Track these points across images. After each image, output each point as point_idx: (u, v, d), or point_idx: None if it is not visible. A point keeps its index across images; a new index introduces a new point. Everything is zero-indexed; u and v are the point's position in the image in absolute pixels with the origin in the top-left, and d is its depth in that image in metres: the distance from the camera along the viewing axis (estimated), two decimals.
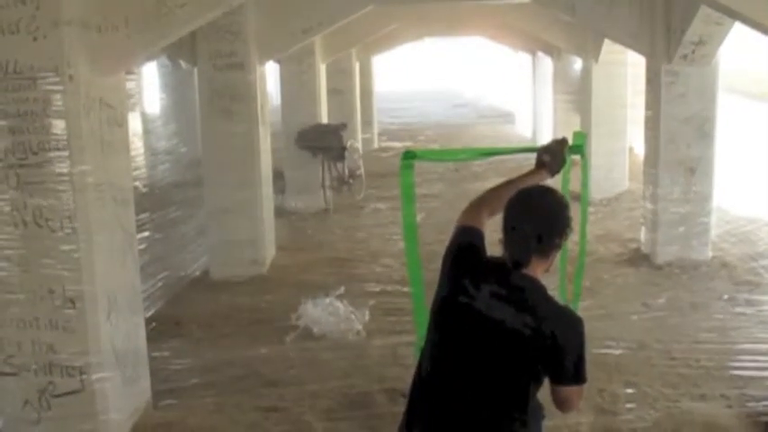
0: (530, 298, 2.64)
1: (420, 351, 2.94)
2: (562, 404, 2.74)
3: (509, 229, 2.71)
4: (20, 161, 4.11)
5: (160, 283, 7.75)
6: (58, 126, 4.09)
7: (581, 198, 3.92)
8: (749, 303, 6.86)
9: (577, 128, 11.80)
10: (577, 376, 2.67)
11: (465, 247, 2.84)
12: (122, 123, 4.60)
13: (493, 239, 2.85)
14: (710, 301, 6.95)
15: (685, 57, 7.38)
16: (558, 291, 3.87)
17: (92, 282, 4.26)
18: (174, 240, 8.93)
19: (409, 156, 3.35)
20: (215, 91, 7.70)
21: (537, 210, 2.70)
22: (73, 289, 4.21)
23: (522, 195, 2.78)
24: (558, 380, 2.66)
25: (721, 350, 5.86)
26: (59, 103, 4.06)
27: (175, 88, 15.29)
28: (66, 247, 4.18)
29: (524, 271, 2.68)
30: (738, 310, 6.75)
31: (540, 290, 2.69)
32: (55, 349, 4.26)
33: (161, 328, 6.67)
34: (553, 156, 3.17)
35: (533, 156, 3.32)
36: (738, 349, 5.86)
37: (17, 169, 4.11)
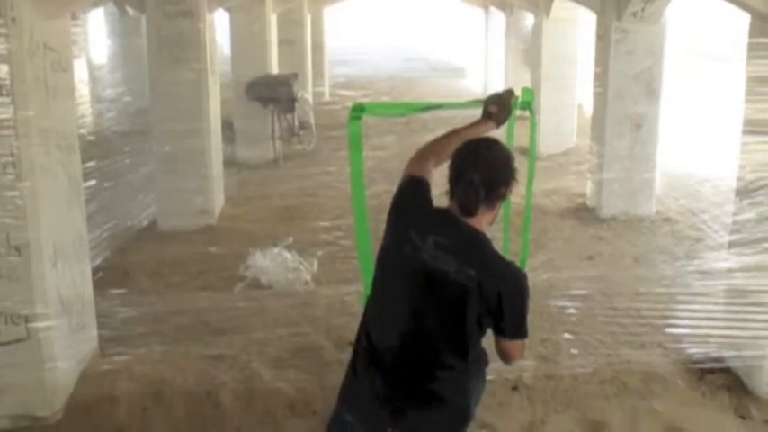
0: (475, 251, 2.68)
1: (366, 299, 2.98)
2: (504, 355, 2.81)
3: (456, 178, 2.74)
4: None
5: (107, 233, 7.67)
6: (1, 70, 3.99)
7: (528, 153, 3.98)
8: (690, 257, 7.02)
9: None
10: (518, 331, 2.74)
11: (411, 198, 2.86)
12: (67, 68, 4.52)
13: (438, 192, 2.90)
14: (653, 255, 7.12)
15: (635, 14, 7.45)
16: (501, 243, 3.95)
17: (36, 229, 4.20)
18: (122, 190, 8.82)
19: (357, 109, 3.35)
20: (163, 39, 7.57)
21: (484, 160, 2.73)
22: (17, 236, 4.15)
23: (469, 146, 2.81)
24: (499, 333, 2.73)
25: (661, 302, 5.99)
26: (2, 46, 3.96)
27: (123, 35, 15.02)
28: (9, 194, 4.11)
29: (471, 222, 2.72)
30: (679, 263, 6.92)
31: (486, 243, 2.73)
32: (0, 297, 4.22)
33: (108, 278, 6.63)
34: (500, 106, 3.20)
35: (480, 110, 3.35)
36: (678, 300, 6.02)
37: None
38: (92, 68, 13.54)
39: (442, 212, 2.79)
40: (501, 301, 2.65)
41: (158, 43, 7.59)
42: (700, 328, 5.47)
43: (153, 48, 7.65)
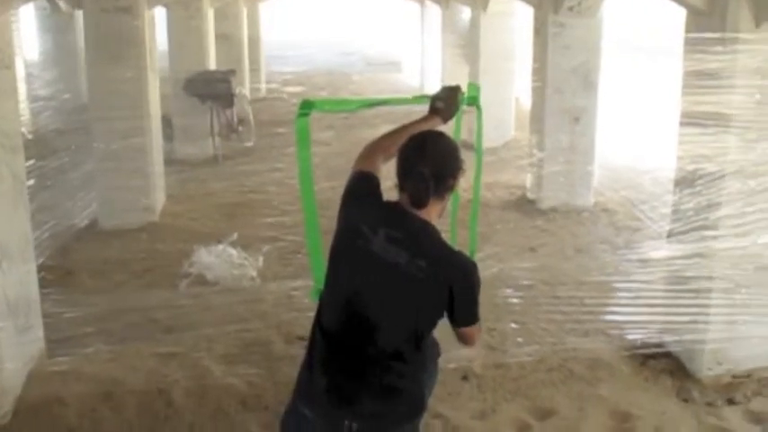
0: (424, 242, 2.75)
1: (317, 294, 3.02)
2: (461, 340, 2.93)
3: (405, 172, 2.80)
4: None
5: (48, 233, 7.52)
6: None
7: (475, 147, 4.05)
8: (629, 246, 7.20)
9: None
10: (471, 318, 2.86)
11: (361, 193, 2.91)
12: (9, 66, 4.45)
13: (387, 186, 2.95)
14: (593, 245, 7.28)
15: (571, 8, 7.61)
16: (450, 236, 4.02)
17: None
18: (62, 189, 8.66)
19: (306, 105, 3.37)
20: (101, 36, 7.45)
21: (432, 152, 2.80)
22: None
23: (416, 139, 2.88)
24: (453, 321, 2.83)
25: (603, 290, 6.14)
26: None
27: (55, 32, 14.67)
28: None
29: (421, 214, 2.79)
30: (619, 252, 7.09)
31: (435, 234, 2.80)
32: None
33: (51, 278, 6.49)
34: (446, 103, 3.26)
35: (427, 106, 3.40)
36: (619, 288, 6.18)
37: None
38: (26, 66, 13.18)
39: (392, 206, 2.85)
40: (452, 290, 2.73)
41: (96, 40, 7.48)
42: (641, 315, 5.63)
43: (90, 44, 7.54)
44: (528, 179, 8.68)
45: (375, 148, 3.11)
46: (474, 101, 3.97)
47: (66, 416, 4.39)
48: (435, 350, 3.22)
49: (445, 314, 2.83)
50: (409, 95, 3.85)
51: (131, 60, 7.54)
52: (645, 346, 5.14)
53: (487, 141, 10.73)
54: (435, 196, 2.79)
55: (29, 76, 13.28)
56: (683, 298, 5.01)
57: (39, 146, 9.94)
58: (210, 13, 11.14)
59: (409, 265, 2.69)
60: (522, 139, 10.59)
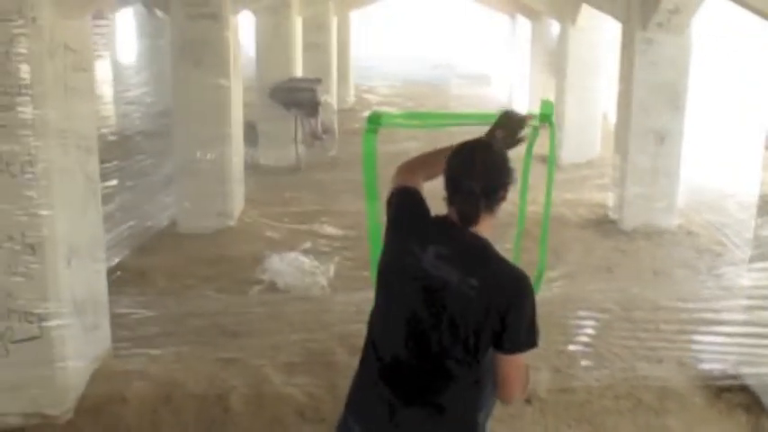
0: (476, 259, 2.62)
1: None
2: (505, 382, 2.64)
3: (453, 187, 2.67)
4: None
5: (127, 233, 7.71)
6: (21, 70, 4.00)
7: (547, 164, 3.93)
8: (711, 272, 6.94)
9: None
10: (526, 340, 2.59)
11: (408, 208, 2.80)
12: (88, 69, 4.53)
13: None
14: (673, 269, 7.03)
15: (660, 24, 7.38)
16: (511, 254, 3.90)
17: (51, 228, 4.21)
18: (143, 190, 8.86)
19: (374, 120, 3.30)
20: (187, 41, 7.58)
21: (481, 165, 2.65)
22: (32, 235, 4.16)
23: (463, 152, 2.71)
24: (503, 347, 2.58)
25: (680, 316, 5.93)
26: (22, 46, 3.98)
27: (150, 36, 15.09)
28: (26, 193, 4.12)
29: (473, 229, 2.67)
30: (700, 278, 6.83)
31: (487, 250, 2.66)
32: (13, 295, 4.23)
33: (126, 278, 6.66)
34: (508, 132, 3.06)
35: None
36: (697, 317, 5.93)
37: None
38: (117, 68, 13.59)
39: (441, 221, 2.73)
40: (506, 309, 2.55)
41: (181, 45, 7.61)
42: (718, 345, 5.40)
43: (176, 50, 7.67)
44: (610, 198, 8.45)
45: (416, 165, 3.00)
46: (547, 118, 3.86)
47: (126, 415, 4.43)
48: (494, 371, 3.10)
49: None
50: (490, 111, 3.73)
51: (215, 67, 7.64)
52: (720, 377, 4.90)
53: (571, 158, 10.77)
54: (486, 211, 2.67)
55: (121, 78, 13.69)
56: (764, 329, 4.77)
57: (123, 147, 10.22)
58: (299, 22, 11.24)
59: (461, 285, 2.57)
60: (608, 157, 10.33)
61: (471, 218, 2.64)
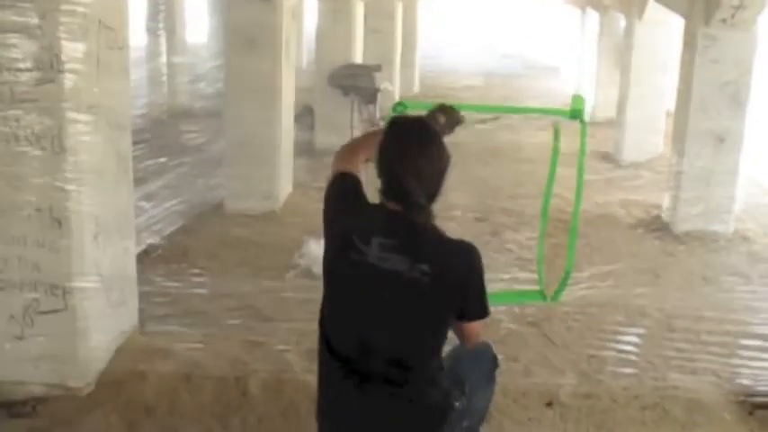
0: (423, 244, 2.54)
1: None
2: (468, 338, 2.73)
3: (391, 186, 2.57)
4: (15, 77, 4.07)
5: (174, 209, 7.82)
6: (54, 46, 4.03)
7: (577, 164, 3.83)
8: (762, 281, 6.68)
9: (616, 88, 11.54)
10: (480, 311, 2.63)
11: (344, 198, 2.72)
12: (123, 46, 4.54)
13: None
14: (723, 276, 6.78)
15: (724, 20, 7.11)
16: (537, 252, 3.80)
17: (79, 203, 4.23)
18: (194, 168, 8.94)
19: (400, 107, 3.27)
20: (241, 22, 7.60)
21: (424, 165, 2.54)
22: (60, 209, 4.20)
23: (396, 143, 2.60)
24: (462, 317, 2.62)
25: (724, 327, 5.71)
26: (55, 22, 4.01)
27: (221, 14, 15.26)
28: (54, 167, 4.16)
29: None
30: (750, 287, 6.58)
31: (431, 232, 2.58)
32: (40, 268, 4.27)
33: (166, 255, 6.74)
34: (448, 123, 2.98)
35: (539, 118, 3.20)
36: (742, 329, 5.70)
37: (11, 85, 4.08)
38: (183, 45, 13.74)
39: (379, 209, 2.62)
40: (458, 285, 2.54)
41: (236, 27, 7.63)
42: (760, 360, 5.19)
43: (231, 31, 7.69)
44: (665, 199, 8.20)
45: (356, 148, 2.93)
46: (578, 114, 3.75)
47: (145, 392, 4.45)
48: (489, 361, 3.01)
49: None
50: (517, 105, 3.64)
51: (267, 50, 7.64)
52: (756, 394, 4.69)
53: (632, 155, 10.50)
54: (429, 201, 2.59)
55: (191, 55, 13.85)
56: None
57: (180, 124, 10.34)
58: (360, 7, 11.19)
59: (411, 271, 2.49)
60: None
61: (413, 217, 2.56)
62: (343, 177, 2.77)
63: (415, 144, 2.58)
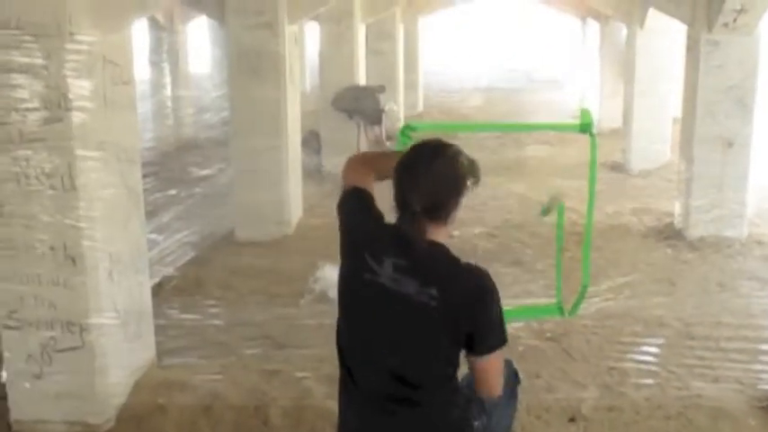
0: (433, 268, 2.49)
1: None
2: (483, 380, 2.56)
3: (398, 201, 2.53)
4: (23, 117, 4.10)
5: (186, 241, 7.83)
6: (60, 84, 4.06)
7: (588, 177, 3.79)
8: None
9: (621, 98, 11.55)
10: (494, 341, 2.51)
11: (359, 216, 2.67)
12: (128, 81, 4.56)
13: None
14: (739, 281, 6.74)
15: (726, 25, 7.11)
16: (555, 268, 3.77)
17: (92, 240, 4.25)
18: (204, 198, 8.96)
19: (408, 129, 3.27)
20: (243, 50, 7.64)
21: (424, 180, 2.49)
22: (73, 247, 4.22)
23: (411, 159, 2.56)
24: (476, 351, 2.51)
25: (743, 333, 5.67)
26: (61, 61, 4.04)
27: (222, 45, 15.39)
28: (66, 206, 4.17)
29: (428, 235, 2.53)
30: (767, 290, 6.54)
31: (445, 255, 2.53)
32: (56, 306, 4.28)
33: (181, 286, 6.74)
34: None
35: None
36: (762, 334, 5.66)
37: (20, 125, 4.11)
38: (187, 77, 13.84)
39: (395, 229, 2.57)
40: (467, 315, 2.46)
41: (238, 54, 7.67)
42: None
43: (233, 60, 7.73)
44: (676, 206, 8.16)
45: (368, 162, 2.88)
46: (587, 128, 3.74)
47: (165, 426, 4.44)
48: (510, 378, 2.97)
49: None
50: (523, 122, 3.63)
51: (270, 77, 7.68)
52: None
53: (640, 163, 10.48)
54: (434, 224, 2.53)
55: (194, 87, 13.94)
56: None
57: (188, 157, 10.37)
58: (362, 29, 11.23)
59: (420, 295, 2.45)
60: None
61: (413, 236, 2.49)
62: (357, 192, 2.72)
63: (423, 157, 2.55)
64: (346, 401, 2.69)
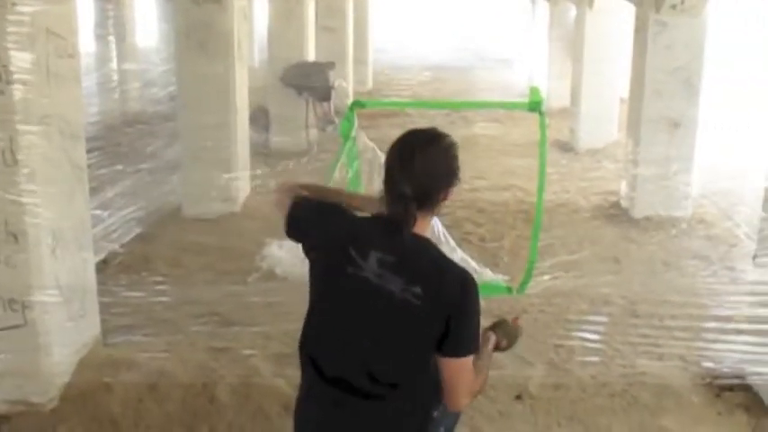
0: (419, 264, 2.44)
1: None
2: (450, 387, 2.47)
3: (388, 188, 2.46)
4: None
5: (132, 217, 7.70)
6: (2, 56, 3.93)
7: (539, 157, 3.81)
8: (723, 263, 6.75)
9: (569, 77, 11.64)
10: (461, 347, 2.44)
11: (329, 214, 2.61)
12: (73, 54, 4.44)
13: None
14: (684, 260, 6.86)
15: (674, 6, 7.20)
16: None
17: (35, 216, 4.15)
18: (151, 174, 8.82)
19: (357, 105, 3.26)
20: (191, 25, 7.52)
21: (418, 165, 2.43)
22: (15, 223, 4.11)
23: (404, 146, 2.50)
24: (444, 351, 2.44)
25: (687, 311, 5.76)
26: (2, 31, 3.91)
27: (170, 19, 15.11)
28: (8, 180, 4.06)
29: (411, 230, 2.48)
30: (711, 269, 6.65)
31: (429, 251, 2.48)
32: None
33: (127, 263, 6.64)
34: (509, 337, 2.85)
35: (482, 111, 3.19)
36: (705, 312, 5.76)
37: None
38: (133, 50, 13.55)
39: (376, 222, 2.53)
40: (451, 314, 2.40)
41: (186, 30, 7.54)
42: (723, 342, 5.24)
43: (180, 35, 7.60)
44: (622, 186, 8.27)
45: (312, 190, 2.80)
46: (537, 106, 3.73)
47: (111, 404, 4.37)
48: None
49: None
50: (471, 101, 3.63)
51: (219, 52, 7.58)
52: (722, 376, 4.74)
53: (588, 142, 10.60)
54: (423, 212, 2.48)
55: (138, 60, 13.68)
56: None
57: (135, 131, 10.19)
58: (311, 4, 11.12)
59: (404, 292, 2.40)
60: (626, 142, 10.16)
61: (402, 224, 2.44)
62: (305, 203, 2.67)
63: (418, 144, 2.49)
64: (307, 390, 2.63)
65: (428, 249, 2.49)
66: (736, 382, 4.68)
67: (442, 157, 2.50)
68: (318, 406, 2.57)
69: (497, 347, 2.77)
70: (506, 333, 2.81)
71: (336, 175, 3.48)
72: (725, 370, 4.81)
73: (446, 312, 2.40)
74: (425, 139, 2.51)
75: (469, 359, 2.45)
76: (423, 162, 2.44)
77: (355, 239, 2.50)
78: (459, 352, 2.43)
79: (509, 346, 2.81)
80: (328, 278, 2.54)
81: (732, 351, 5.05)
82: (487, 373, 2.61)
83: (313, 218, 2.62)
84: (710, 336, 5.34)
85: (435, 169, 2.47)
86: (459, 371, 2.45)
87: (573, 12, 12.26)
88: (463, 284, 2.44)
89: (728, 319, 5.60)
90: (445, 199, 2.53)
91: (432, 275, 2.43)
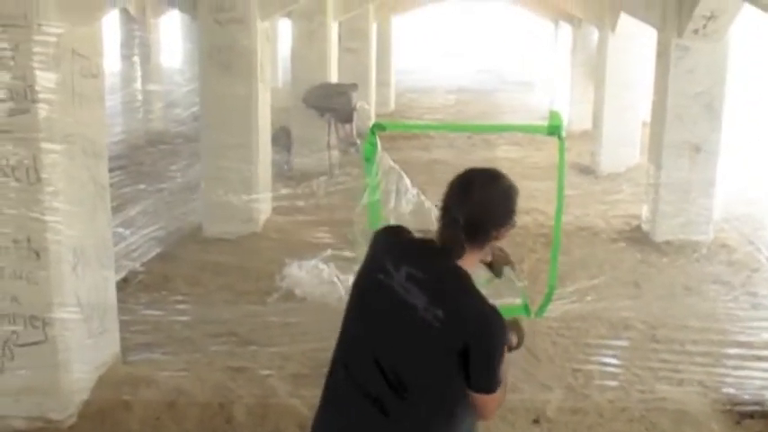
0: (448, 289, 2.44)
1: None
2: (480, 411, 2.51)
3: (442, 213, 2.51)
4: None
5: (152, 236, 7.76)
6: (27, 76, 4.01)
7: (557, 180, 3.79)
8: (744, 288, 6.70)
9: (591, 101, 11.63)
10: (486, 384, 2.45)
11: (393, 234, 2.67)
12: (97, 74, 4.51)
13: None
14: (705, 285, 6.81)
15: (696, 31, 7.18)
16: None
17: (57, 234, 4.20)
18: (173, 193, 8.89)
19: (378, 128, 3.29)
20: (214, 46, 7.60)
21: (476, 197, 2.48)
22: (37, 240, 4.16)
23: (465, 178, 2.56)
24: (472, 386, 2.44)
25: (708, 336, 5.72)
26: (28, 52, 3.98)
27: (195, 40, 15.27)
28: (31, 198, 4.12)
29: (457, 261, 2.50)
30: (732, 295, 6.60)
31: (462, 281, 2.48)
32: (19, 300, 4.23)
33: (148, 282, 6.68)
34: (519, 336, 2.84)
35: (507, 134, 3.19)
36: (726, 338, 5.71)
37: None
38: (160, 72, 13.70)
39: (422, 243, 2.58)
40: (467, 348, 2.39)
41: (209, 50, 7.62)
42: (744, 368, 5.20)
43: (204, 54, 7.68)
44: (644, 210, 8.23)
45: None
46: (556, 130, 3.72)
47: (129, 422, 4.41)
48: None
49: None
50: (497, 124, 3.64)
51: (242, 73, 7.64)
52: (743, 402, 4.70)
53: (609, 166, 10.56)
54: (470, 244, 2.49)
55: (165, 82, 13.81)
56: None
57: (157, 151, 10.28)
58: (334, 26, 11.19)
59: (426, 311, 2.41)
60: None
61: (448, 246, 2.47)
62: (395, 226, 2.75)
63: (480, 179, 2.55)
64: (330, 396, 2.64)
65: (461, 279, 2.48)
66: (756, 409, 4.63)
67: (500, 196, 2.53)
68: (339, 411, 2.58)
69: (509, 348, 2.75)
70: (517, 332, 2.81)
71: (365, 198, 3.50)
72: (745, 397, 4.77)
73: (464, 343, 2.39)
74: (488, 176, 2.57)
75: (494, 396, 2.47)
76: (480, 195, 2.49)
77: (395, 251, 2.55)
78: (485, 389, 2.45)
79: (519, 344, 2.81)
80: (360, 283, 2.61)
81: (753, 378, 5.01)
82: (507, 378, 2.61)
83: (384, 237, 2.68)
84: (731, 362, 5.29)
85: (491, 204, 2.50)
86: (487, 402, 2.48)
87: (595, 35, 12.27)
88: (486, 321, 2.43)
89: (749, 345, 5.57)
90: (497, 238, 2.55)
91: (455, 302, 2.43)
